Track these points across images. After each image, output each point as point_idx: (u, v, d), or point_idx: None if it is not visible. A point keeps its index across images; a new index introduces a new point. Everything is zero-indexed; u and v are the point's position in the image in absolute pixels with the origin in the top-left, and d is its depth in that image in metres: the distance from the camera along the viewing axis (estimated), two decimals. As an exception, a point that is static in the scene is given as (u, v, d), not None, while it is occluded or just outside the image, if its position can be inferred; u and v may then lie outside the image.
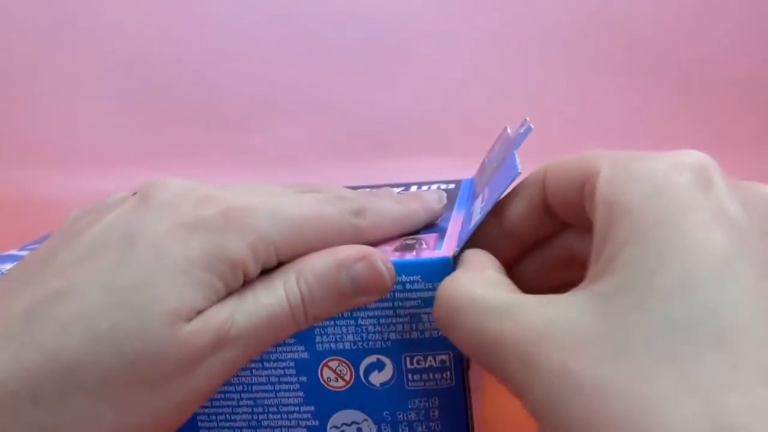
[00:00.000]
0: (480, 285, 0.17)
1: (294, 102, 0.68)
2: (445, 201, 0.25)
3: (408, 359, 0.21)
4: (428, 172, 0.33)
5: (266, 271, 0.20)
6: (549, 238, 0.22)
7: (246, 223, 0.19)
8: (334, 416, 0.23)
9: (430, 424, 0.22)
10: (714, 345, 0.12)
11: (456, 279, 0.18)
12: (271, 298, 0.19)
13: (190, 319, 0.18)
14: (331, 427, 0.23)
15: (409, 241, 0.22)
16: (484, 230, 0.21)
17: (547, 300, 0.15)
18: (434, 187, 0.30)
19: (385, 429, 0.22)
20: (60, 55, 0.68)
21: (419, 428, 0.22)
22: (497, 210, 0.21)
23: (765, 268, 0.14)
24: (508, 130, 0.25)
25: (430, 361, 0.21)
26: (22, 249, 0.29)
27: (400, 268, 0.20)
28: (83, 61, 0.68)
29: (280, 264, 0.20)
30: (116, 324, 0.17)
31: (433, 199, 0.24)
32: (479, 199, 0.23)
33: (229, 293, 0.19)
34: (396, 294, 0.20)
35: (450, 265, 0.20)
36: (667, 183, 0.15)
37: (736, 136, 0.64)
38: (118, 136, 0.69)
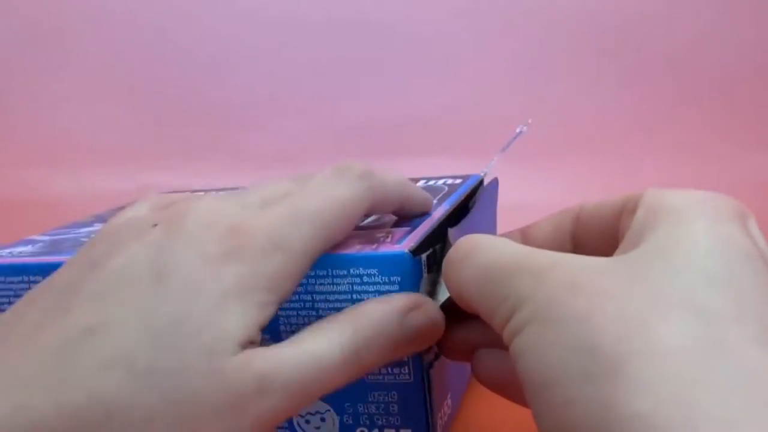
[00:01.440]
0: (499, 241, 0.18)
1: (293, 101, 0.68)
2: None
3: None
4: (428, 172, 0.34)
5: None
6: None
7: (278, 246, 0.19)
8: None
9: (390, 418, 0.23)
10: (719, 292, 0.14)
11: (471, 242, 0.18)
12: (324, 350, 0.18)
13: (230, 354, 0.17)
14: (297, 416, 0.24)
15: (378, 234, 0.23)
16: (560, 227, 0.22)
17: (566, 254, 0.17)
18: (440, 182, 0.30)
19: (347, 420, 0.23)
20: (60, 56, 0.68)
21: (379, 422, 0.23)
22: (524, 229, 0.22)
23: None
24: (517, 130, 0.25)
25: None
26: (43, 235, 0.30)
27: (359, 261, 0.21)
28: (83, 61, 0.68)
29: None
30: (155, 361, 0.16)
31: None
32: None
33: (275, 338, 0.19)
34: (354, 287, 0.21)
35: (407, 261, 0.20)
36: (716, 200, 0.17)
37: (739, 136, 0.64)
38: (119, 135, 0.70)
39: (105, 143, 0.70)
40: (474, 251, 0.18)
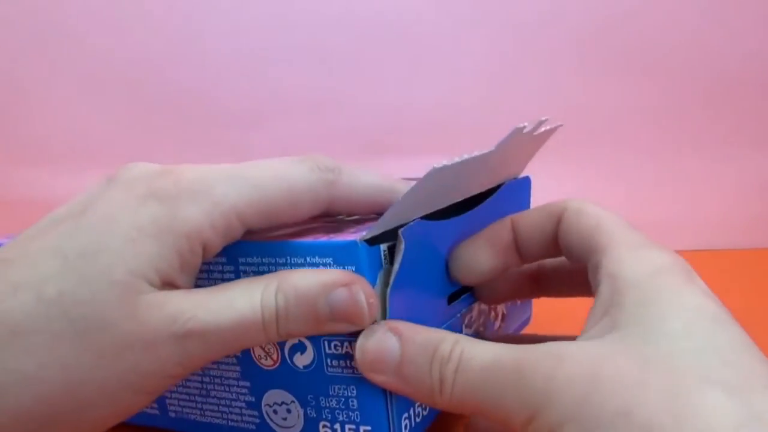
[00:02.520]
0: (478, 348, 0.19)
1: (294, 101, 0.67)
2: None
3: (326, 343, 0.22)
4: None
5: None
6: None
7: (200, 191, 0.18)
8: (267, 394, 0.24)
9: (350, 413, 0.22)
10: (707, 375, 0.15)
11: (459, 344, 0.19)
12: (245, 304, 0.18)
13: (142, 293, 0.17)
14: (265, 405, 0.24)
15: (349, 227, 0.22)
16: (496, 232, 0.24)
17: (556, 343, 0.17)
18: None
19: (310, 413, 0.23)
20: (60, 56, 0.68)
21: (340, 416, 0.22)
22: (515, 218, 0.24)
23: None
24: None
25: (347, 347, 0.21)
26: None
27: (315, 249, 0.20)
28: (83, 61, 0.68)
29: (251, 232, 0.20)
30: (65, 290, 0.17)
31: None
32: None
33: (197, 279, 0.19)
34: None
35: (361, 250, 0.20)
36: (665, 267, 0.18)
37: (741, 137, 0.64)
38: (119, 136, 0.70)
39: (105, 143, 0.70)
40: (462, 356, 0.18)
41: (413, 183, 0.20)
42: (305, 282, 0.19)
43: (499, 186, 0.28)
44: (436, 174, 0.20)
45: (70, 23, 0.68)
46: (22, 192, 0.70)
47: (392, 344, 0.19)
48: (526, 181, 0.30)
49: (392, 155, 0.65)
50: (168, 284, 0.18)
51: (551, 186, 0.63)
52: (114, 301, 0.17)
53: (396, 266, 0.20)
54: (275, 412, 0.24)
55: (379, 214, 0.22)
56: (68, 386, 0.17)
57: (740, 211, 0.61)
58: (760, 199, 0.62)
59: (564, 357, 0.16)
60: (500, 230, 0.24)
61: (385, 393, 0.21)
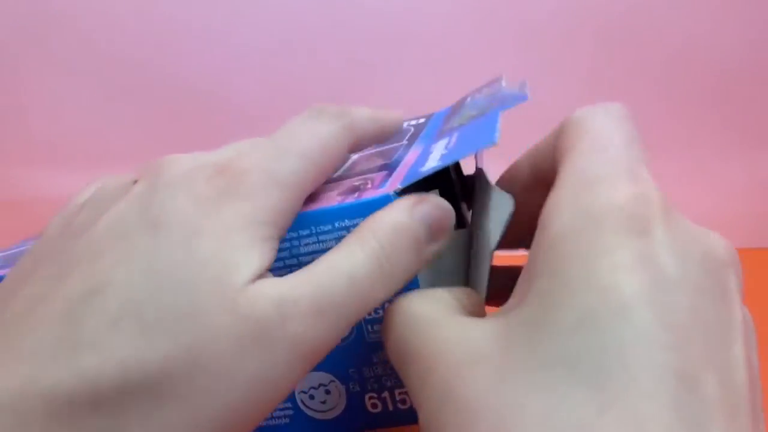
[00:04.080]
0: (418, 301, 0.18)
1: (294, 102, 0.67)
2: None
3: None
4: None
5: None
6: None
7: (271, 181, 0.18)
8: (301, 380, 0.21)
9: (398, 377, 0.20)
10: (589, 385, 0.13)
11: (402, 296, 0.18)
12: (350, 262, 0.17)
13: (242, 286, 0.16)
14: (299, 393, 0.21)
15: (356, 182, 0.21)
16: (515, 177, 0.21)
17: (465, 321, 0.16)
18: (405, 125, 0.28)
19: (353, 388, 0.21)
20: (60, 55, 0.68)
21: (388, 383, 0.20)
22: (528, 154, 0.21)
23: (684, 321, 0.13)
24: (503, 83, 0.24)
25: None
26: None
27: (343, 212, 0.19)
28: (84, 60, 0.68)
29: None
30: (164, 308, 0.15)
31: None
32: (445, 141, 0.21)
33: (288, 265, 0.19)
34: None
35: (392, 201, 0.19)
36: (598, 219, 0.14)
37: (738, 136, 0.63)
38: (119, 136, 0.69)
39: (106, 143, 0.70)
40: (388, 324, 0.18)
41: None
42: (393, 214, 0.18)
43: None
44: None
45: (72, 22, 0.68)
46: (22, 192, 0.69)
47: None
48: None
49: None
50: (260, 276, 0.17)
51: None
52: (216, 306, 0.15)
53: (503, 227, 0.20)
54: (311, 397, 0.21)
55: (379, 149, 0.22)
56: (186, 418, 0.15)
57: (740, 210, 0.60)
58: (760, 198, 0.61)
59: (437, 362, 0.15)
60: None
61: None
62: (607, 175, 0.15)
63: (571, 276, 0.14)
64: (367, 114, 0.22)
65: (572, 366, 0.13)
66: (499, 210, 0.20)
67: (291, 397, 0.21)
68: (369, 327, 0.19)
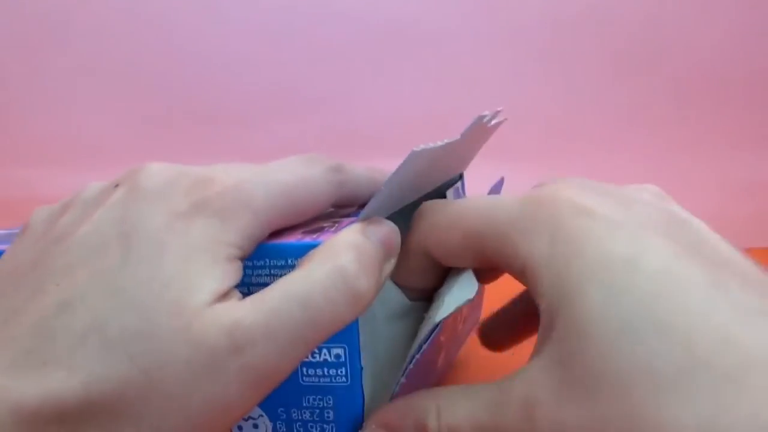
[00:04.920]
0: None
1: (294, 102, 0.67)
2: None
3: None
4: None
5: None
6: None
7: (242, 202, 0.18)
8: None
9: (324, 426, 0.21)
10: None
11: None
12: (304, 287, 0.17)
13: (201, 310, 0.16)
14: None
15: (324, 224, 0.21)
16: (414, 262, 0.22)
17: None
18: None
19: (280, 427, 0.21)
20: (60, 55, 0.69)
21: (313, 429, 0.21)
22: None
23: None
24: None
25: (325, 354, 0.20)
26: None
27: (299, 249, 0.19)
28: (84, 61, 0.69)
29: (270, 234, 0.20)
30: (125, 327, 0.16)
31: None
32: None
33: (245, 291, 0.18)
34: None
35: None
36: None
37: (735, 135, 0.64)
38: (119, 136, 0.69)
39: (105, 143, 0.70)
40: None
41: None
42: (347, 238, 0.18)
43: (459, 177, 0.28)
44: (415, 159, 0.19)
45: (71, 24, 0.69)
46: (22, 192, 0.69)
47: None
48: (501, 182, 0.29)
49: (392, 155, 0.65)
50: (224, 297, 0.17)
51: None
52: (172, 329, 0.16)
53: (455, 308, 0.20)
54: (240, 428, 0.22)
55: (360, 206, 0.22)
56: None
57: (740, 210, 0.61)
58: (760, 199, 0.62)
59: (533, 405, 0.16)
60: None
61: (363, 401, 0.21)
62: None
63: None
64: (365, 178, 0.22)
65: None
66: (462, 291, 0.20)
67: None
68: (304, 370, 0.20)
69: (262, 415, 0.21)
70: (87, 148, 0.69)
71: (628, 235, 0.17)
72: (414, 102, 0.67)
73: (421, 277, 0.22)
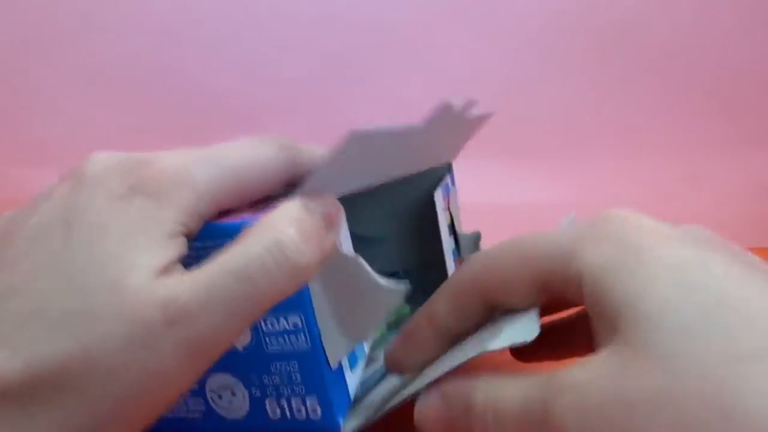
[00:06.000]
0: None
1: (293, 102, 0.68)
2: None
3: (263, 321, 0.21)
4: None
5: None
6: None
7: (183, 182, 0.18)
8: (210, 379, 0.23)
9: (294, 387, 0.22)
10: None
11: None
12: (241, 260, 0.17)
13: (138, 287, 0.17)
14: (209, 391, 0.23)
15: (276, 202, 0.21)
16: (415, 333, 0.24)
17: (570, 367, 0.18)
18: None
19: (255, 393, 0.23)
20: (60, 55, 0.69)
21: (285, 392, 0.22)
22: (426, 311, 0.23)
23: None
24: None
25: (284, 323, 0.21)
26: None
27: (239, 229, 0.19)
28: (83, 61, 0.69)
29: (221, 213, 0.20)
30: (67, 309, 0.17)
31: None
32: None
33: (185, 263, 0.19)
34: None
35: None
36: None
37: (738, 135, 0.64)
38: (119, 136, 0.69)
39: (105, 143, 0.68)
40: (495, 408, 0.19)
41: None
42: (287, 212, 0.19)
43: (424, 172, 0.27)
44: (356, 141, 0.19)
45: (71, 24, 0.68)
46: (22, 192, 0.67)
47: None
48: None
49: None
50: (167, 270, 0.18)
51: (550, 186, 0.61)
52: (110, 306, 0.16)
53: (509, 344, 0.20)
54: (220, 397, 0.24)
55: None
56: (85, 413, 0.16)
57: (740, 210, 0.60)
58: (760, 199, 0.61)
59: (584, 388, 0.17)
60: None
61: (325, 361, 0.22)
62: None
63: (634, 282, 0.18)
64: (318, 153, 0.22)
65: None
66: (523, 331, 0.20)
67: (203, 395, 0.23)
68: (267, 339, 0.22)
69: (237, 383, 0.23)
70: (87, 148, 0.67)
71: (690, 244, 0.19)
72: (414, 102, 0.66)
73: (461, 317, 0.23)
